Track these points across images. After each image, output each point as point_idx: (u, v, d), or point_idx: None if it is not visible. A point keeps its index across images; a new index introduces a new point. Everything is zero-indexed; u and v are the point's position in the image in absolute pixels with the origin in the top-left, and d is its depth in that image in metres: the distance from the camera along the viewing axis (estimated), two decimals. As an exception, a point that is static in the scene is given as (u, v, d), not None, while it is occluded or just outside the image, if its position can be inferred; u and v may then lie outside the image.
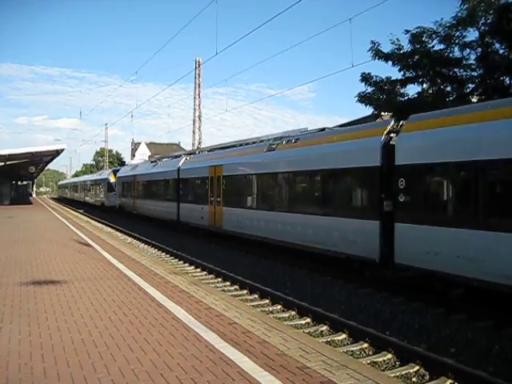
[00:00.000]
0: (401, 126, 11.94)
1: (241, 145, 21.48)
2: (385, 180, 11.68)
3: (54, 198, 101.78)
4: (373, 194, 12.26)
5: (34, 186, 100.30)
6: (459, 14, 19.32)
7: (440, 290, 10.49)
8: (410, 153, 11.01)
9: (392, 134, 11.88)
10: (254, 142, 20.25)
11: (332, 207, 13.71)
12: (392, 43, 20.81)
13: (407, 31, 20.29)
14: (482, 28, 19.17)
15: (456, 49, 20.12)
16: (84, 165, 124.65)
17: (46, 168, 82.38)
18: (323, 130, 16.04)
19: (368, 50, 21.02)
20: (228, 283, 12.99)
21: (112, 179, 43.16)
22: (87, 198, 56.76)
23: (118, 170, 44.20)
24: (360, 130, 13.37)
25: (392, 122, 12.36)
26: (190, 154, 28.44)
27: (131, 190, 36.13)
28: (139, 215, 33.38)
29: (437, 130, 10.37)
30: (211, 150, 25.67)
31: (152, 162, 35.18)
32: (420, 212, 10.71)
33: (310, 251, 14.36)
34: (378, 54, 20.93)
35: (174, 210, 26.04)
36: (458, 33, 19.68)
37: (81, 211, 45.52)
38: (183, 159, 26.82)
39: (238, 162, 19.59)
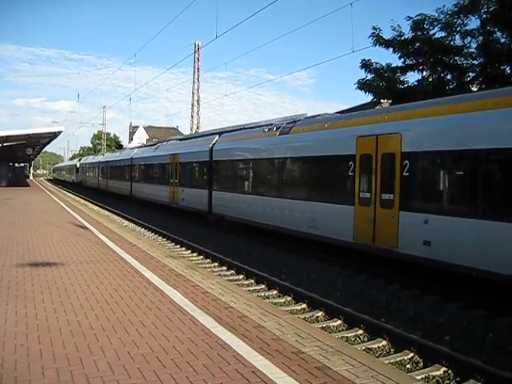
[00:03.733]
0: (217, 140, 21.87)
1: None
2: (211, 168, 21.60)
3: (49, 180, 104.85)
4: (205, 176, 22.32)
5: (31, 168, 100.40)
6: (461, 2, 19.15)
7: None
8: (216, 154, 21.09)
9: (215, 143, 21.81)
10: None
11: (194, 183, 23.79)
12: (393, 30, 20.66)
13: (409, 17, 20.13)
14: (484, 16, 19.00)
15: (457, 37, 19.98)
16: (81, 148, 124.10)
17: (44, 150, 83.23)
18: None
19: (369, 36, 20.85)
20: (224, 268, 13.02)
21: (78, 165, 65.55)
22: (66, 177, 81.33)
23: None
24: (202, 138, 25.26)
25: (216, 137, 22.27)
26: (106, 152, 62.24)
27: (84, 171, 60.39)
28: (87, 187, 54.80)
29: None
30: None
31: (94, 156, 60.54)
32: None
33: (184, 210, 24.41)
34: (379, 40, 20.77)
35: (96, 181, 49.46)
36: (459, 20, 19.52)
37: (60, 186, 66.53)
38: (101, 156, 51.33)
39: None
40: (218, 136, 22.65)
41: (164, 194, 27.23)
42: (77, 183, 64.09)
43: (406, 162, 11.04)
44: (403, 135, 11.12)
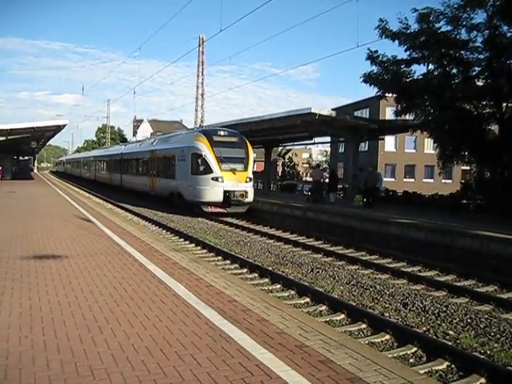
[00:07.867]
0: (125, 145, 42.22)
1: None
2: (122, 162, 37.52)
3: (52, 172, 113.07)
4: (118, 166, 38.75)
5: (36, 161, 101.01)
6: (467, -5, 19.02)
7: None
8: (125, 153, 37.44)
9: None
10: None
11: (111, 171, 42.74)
12: (400, 22, 20.53)
13: (415, 10, 19.99)
14: (490, 10, 18.88)
15: (463, 31, 19.86)
16: (86, 141, 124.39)
17: (48, 144, 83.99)
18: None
19: (375, 28, 20.73)
20: (228, 261, 13.01)
21: (65, 160, 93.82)
22: (59, 169, 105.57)
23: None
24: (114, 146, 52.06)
25: (123, 146, 41.82)
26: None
27: (69, 164, 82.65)
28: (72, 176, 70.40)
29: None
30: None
31: (71, 154, 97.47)
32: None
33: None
34: (386, 32, 20.64)
35: (75, 170, 70.70)
36: (465, 14, 19.39)
37: (53, 175, 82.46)
38: (66, 157, 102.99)
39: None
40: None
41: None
42: (63, 173, 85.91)
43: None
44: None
